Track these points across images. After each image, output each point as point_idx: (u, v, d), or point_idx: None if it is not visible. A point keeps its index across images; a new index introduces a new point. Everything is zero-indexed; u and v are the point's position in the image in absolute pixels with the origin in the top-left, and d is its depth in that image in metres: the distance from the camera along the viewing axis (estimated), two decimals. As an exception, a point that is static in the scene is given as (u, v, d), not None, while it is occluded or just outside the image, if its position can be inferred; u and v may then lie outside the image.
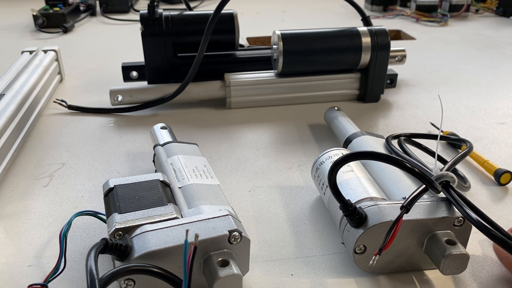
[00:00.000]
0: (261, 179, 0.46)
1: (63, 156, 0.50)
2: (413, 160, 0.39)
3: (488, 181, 0.45)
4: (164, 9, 0.62)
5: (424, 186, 0.32)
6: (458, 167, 0.47)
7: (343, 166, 0.37)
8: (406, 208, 0.29)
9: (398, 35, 1.05)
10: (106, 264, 0.34)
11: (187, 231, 0.25)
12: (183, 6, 0.74)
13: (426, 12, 1.13)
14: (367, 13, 1.15)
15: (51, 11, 1.04)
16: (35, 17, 1.02)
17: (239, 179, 0.46)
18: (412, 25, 1.09)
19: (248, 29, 1.02)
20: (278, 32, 0.59)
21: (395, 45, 0.72)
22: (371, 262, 0.28)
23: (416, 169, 0.31)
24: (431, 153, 0.47)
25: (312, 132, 0.55)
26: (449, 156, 0.49)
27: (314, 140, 0.53)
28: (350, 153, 0.31)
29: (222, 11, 0.57)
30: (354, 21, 0.64)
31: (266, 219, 0.40)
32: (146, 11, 0.59)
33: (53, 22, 1.02)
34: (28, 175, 0.46)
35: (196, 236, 0.24)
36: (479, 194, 0.43)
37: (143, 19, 0.59)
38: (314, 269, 0.34)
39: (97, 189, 0.44)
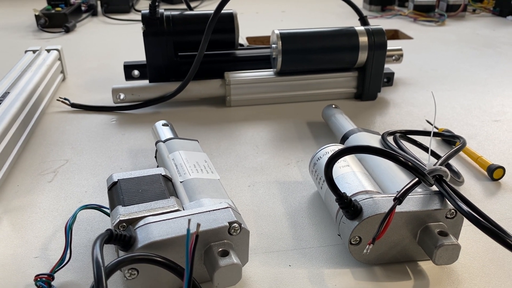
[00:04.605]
0: (260, 174, 0.47)
1: (67, 153, 0.51)
2: (407, 155, 0.40)
3: (481, 176, 0.46)
4: (165, 9, 0.63)
5: (417, 179, 0.33)
6: (453, 162, 0.48)
7: (339, 161, 0.39)
8: (398, 199, 0.30)
9: (395, 34, 1.06)
10: (110, 256, 0.35)
11: (189, 220, 0.26)
12: (184, 6, 0.75)
13: (424, 12, 1.14)
14: (365, 13, 1.16)
15: (53, 11, 1.05)
16: (37, 17, 1.03)
17: (239, 174, 0.47)
18: (410, 25, 1.10)
19: (247, 28, 1.03)
20: (277, 32, 0.60)
21: (392, 44, 0.73)
22: (364, 251, 0.30)
23: (410, 163, 0.32)
24: (426, 149, 0.49)
25: (310, 129, 0.57)
26: (443, 153, 0.50)
27: (312, 137, 0.55)
28: (345, 147, 0.32)
29: (222, 11, 0.58)
30: (352, 21, 0.65)
31: (265, 212, 0.41)
32: (147, 11, 0.60)
33: (55, 22, 1.03)
34: (33, 171, 0.48)
35: (198, 225, 0.25)
36: (473, 189, 0.44)
37: (145, 19, 0.60)
38: (311, 260, 0.35)
39: (100, 185, 0.45)
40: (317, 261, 0.35)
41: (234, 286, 0.31)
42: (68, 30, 1.02)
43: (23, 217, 0.40)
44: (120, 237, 0.30)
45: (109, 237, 0.29)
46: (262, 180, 0.46)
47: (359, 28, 0.62)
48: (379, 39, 0.61)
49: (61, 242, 0.37)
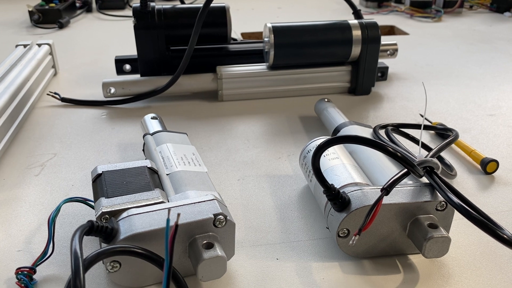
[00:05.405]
0: (251, 168, 0.46)
1: (55, 147, 0.50)
2: (397, 147, 0.40)
3: (474, 170, 0.46)
4: (156, 4, 0.62)
5: (405, 170, 0.32)
6: (446, 156, 0.47)
7: (329, 153, 0.38)
8: (386, 190, 0.30)
9: (391, 30, 1.05)
10: (94, 249, 0.35)
11: (169, 209, 0.25)
12: (178, 2, 0.74)
13: (420, 8, 1.13)
14: (363, 9, 1.15)
15: (46, 7, 1.04)
16: (30, 13, 1.03)
17: (229, 168, 0.46)
18: (406, 21, 1.09)
19: (243, 25, 1.02)
20: (269, 25, 0.59)
21: (388, 40, 0.73)
22: (350, 242, 0.29)
23: (398, 153, 0.31)
24: (418, 142, 0.48)
25: (302, 123, 0.56)
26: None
27: (304, 131, 0.54)
28: (333, 137, 0.31)
29: (214, 5, 0.58)
30: (349, 17, 0.64)
31: (254, 206, 0.40)
32: (138, 4, 0.59)
33: (49, 18, 1.03)
34: (20, 164, 0.47)
35: (178, 215, 0.25)
36: (465, 182, 0.44)
37: (136, 12, 0.59)
38: (299, 254, 0.35)
39: (87, 178, 0.44)
40: (305, 254, 0.35)
41: (219, 279, 0.30)
42: (62, 26, 1.01)
43: (8, 210, 0.40)
44: (102, 228, 0.29)
45: (90, 229, 0.28)
46: (252, 174, 0.45)
47: (353, 21, 0.61)
48: (372, 32, 0.60)
49: (45, 235, 0.36)
